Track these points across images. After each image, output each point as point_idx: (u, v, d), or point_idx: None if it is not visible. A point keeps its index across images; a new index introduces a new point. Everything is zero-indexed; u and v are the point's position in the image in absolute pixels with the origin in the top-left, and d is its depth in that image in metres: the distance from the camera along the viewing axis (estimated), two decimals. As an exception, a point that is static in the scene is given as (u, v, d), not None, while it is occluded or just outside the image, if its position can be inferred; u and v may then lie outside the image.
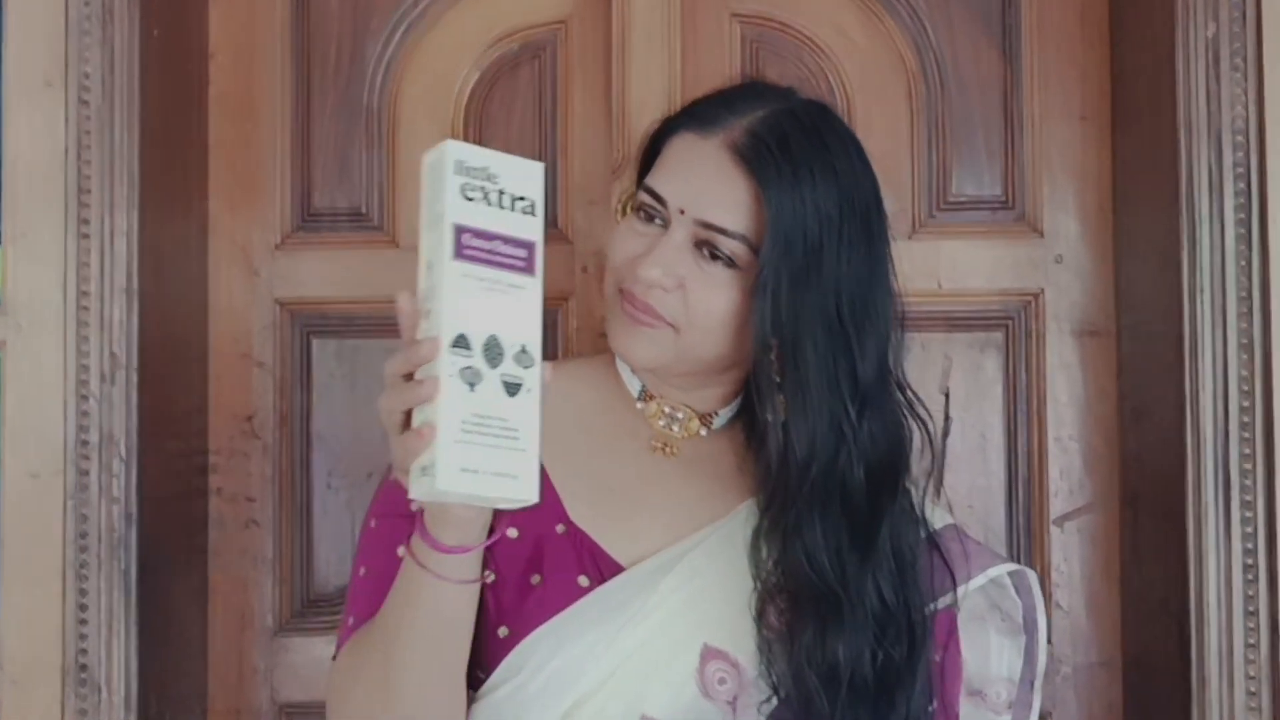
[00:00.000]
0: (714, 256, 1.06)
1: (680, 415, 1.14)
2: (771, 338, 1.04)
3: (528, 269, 0.90)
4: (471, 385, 0.86)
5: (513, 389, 0.88)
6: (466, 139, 1.58)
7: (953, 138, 1.59)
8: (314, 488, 1.58)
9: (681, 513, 1.11)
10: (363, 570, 1.09)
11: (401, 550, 1.01)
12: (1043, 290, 1.58)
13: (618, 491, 1.11)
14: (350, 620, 1.07)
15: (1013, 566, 1.17)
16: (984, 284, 1.58)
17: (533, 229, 0.91)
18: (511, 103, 1.60)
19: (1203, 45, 1.31)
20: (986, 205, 1.60)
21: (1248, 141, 1.31)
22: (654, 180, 1.08)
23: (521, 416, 0.88)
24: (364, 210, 1.61)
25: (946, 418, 1.57)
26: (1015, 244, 1.58)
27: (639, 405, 1.15)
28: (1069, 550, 1.57)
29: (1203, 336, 1.33)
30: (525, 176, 0.92)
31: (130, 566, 1.37)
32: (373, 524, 1.11)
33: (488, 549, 0.99)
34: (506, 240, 0.90)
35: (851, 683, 1.04)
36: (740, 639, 1.06)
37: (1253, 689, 1.33)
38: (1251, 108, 1.31)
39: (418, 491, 0.88)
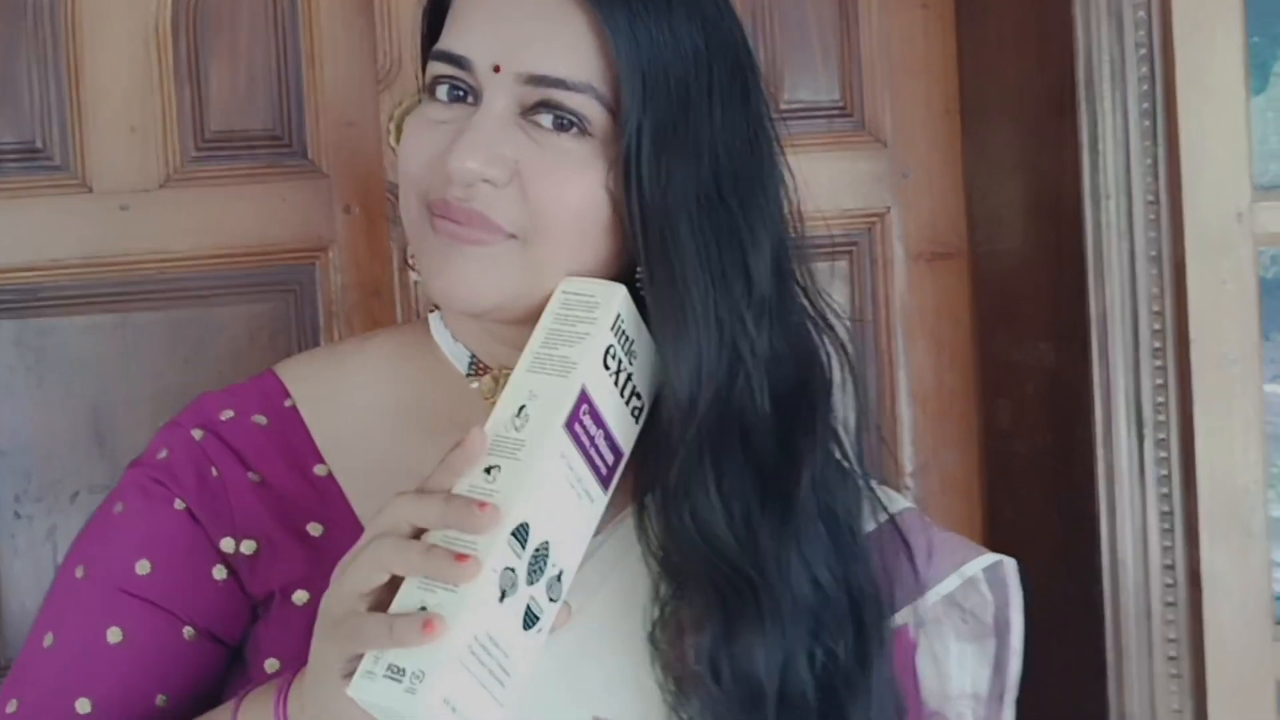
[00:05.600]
0: (558, 125, 0.77)
1: None
2: (637, 223, 0.77)
3: (605, 482, 0.76)
4: (503, 595, 0.68)
5: (530, 621, 0.70)
6: (178, 45, 1.30)
7: (783, 34, 1.38)
8: (-2, 518, 1.30)
9: None
10: (49, 639, 0.83)
11: (118, 637, 0.81)
12: (889, 209, 1.40)
13: None
14: (11, 705, 0.82)
15: (991, 559, 0.91)
16: (824, 204, 1.36)
17: (629, 438, 0.78)
18: (236, -3, 1.32)
19: (1095, -97, 1.11)
20: (823, 112, 1.40)
21: (1150, 19, 1.12)
22: (449, 39, 0.79)
23: (522, 661, 0.70)
24: (39, 144, 1.31)
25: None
26: (857, 156, 1.40)
27: (472, 385, 0.86)
28: (929, 502, 1.40)
29: (1109, 249, 1.14)
30: (653, 373, 0.79)
31: None
32: (79, 573, 0.84)
33: (269, 625, 0.81)
34: (608, 437, 0.75)
35: (783, 699, 0.77)
36: (644, 703, 0.78)
37: (1173, 654, 1.18)
38: (1152, -23, 1.12)
39: (367, 694, 0.66)
